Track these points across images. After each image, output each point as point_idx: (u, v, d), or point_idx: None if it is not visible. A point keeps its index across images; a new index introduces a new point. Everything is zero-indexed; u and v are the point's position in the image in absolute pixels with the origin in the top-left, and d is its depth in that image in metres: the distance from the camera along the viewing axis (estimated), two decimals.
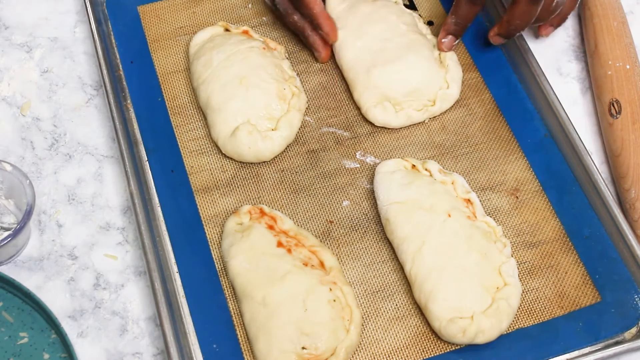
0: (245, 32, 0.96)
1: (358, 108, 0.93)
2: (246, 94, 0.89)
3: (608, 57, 0.96)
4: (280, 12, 0.95)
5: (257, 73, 0.90)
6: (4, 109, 0.94)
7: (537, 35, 1.01)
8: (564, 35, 1.05)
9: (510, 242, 0.85)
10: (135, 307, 0.83)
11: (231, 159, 0.90)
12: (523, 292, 0.82)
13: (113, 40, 0.97)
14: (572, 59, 1.03)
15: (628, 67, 0.95)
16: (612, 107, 0.93)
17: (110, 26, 0.98)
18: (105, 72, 0.92)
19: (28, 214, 0.81)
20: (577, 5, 0.96)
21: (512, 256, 0.83)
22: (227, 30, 0.97)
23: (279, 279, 0.78)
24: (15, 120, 0.93)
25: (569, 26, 1.05)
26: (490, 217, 0.86)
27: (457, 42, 0.95)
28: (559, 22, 0.97)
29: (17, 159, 0.90)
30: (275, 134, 0.88)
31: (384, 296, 0.82)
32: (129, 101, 0.93)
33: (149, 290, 0.83)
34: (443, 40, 0.94)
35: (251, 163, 0.90)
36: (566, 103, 0.94)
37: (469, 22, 0.93)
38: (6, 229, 0.85)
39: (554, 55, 1.03)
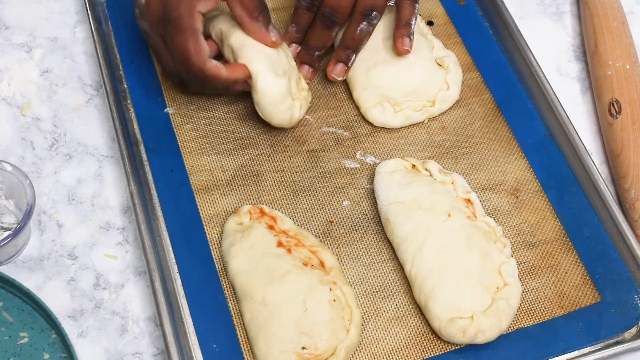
0: None
1: (358, 108, 0.93)
2: None
3: (608, 57, 0.96)
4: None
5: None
6: (4, 109, 0.94)
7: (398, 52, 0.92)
8: (564, 35, 1.05)
9: (510, 242, 0.85)
10: (135, 307, 0.82)
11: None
12: (523, 292, 0.82)
13: (113, 40, 0.97)
14: (572, 59, 1.03)
15: (628, 67, 0.95)
16: (612, 107, 0.93)
17: (110, 26, 0.98)
18: (105, 72, 0.92)
19: (28, 214, 0.81)
20: (581, 5, 0.91)
21: (512, 256, 0.83)
22: None
23: (279, 279, 0.78)
24: (15, 120, 0.93)
25: (569, 26, 1.05)
26: (490, 217, 0.86)
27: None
28: (407, 31, 0.90)
29: (17, 159, 0.90)
30: (296, 103, 0.87)
31: (384, 296, 0.82)
32: (129, 101, 0.92)
33: (149, 290, 0.83)
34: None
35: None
36: (566, 103, 0.94)
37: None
38: (6, 229, 0.85)
39: (554, 55, 1.03)
